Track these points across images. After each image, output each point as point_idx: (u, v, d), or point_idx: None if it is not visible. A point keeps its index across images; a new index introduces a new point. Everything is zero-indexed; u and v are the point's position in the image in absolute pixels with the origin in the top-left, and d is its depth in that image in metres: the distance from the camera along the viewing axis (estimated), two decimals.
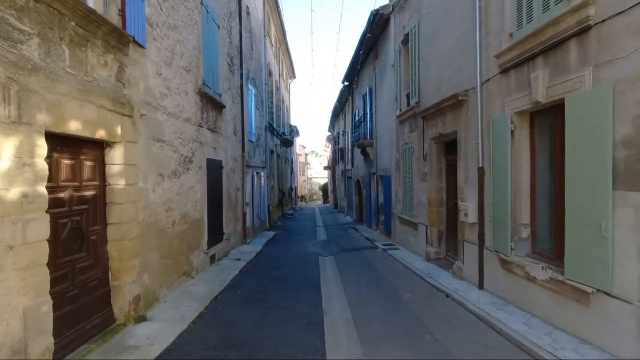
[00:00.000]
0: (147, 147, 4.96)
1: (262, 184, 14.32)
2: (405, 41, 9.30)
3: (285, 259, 9.06)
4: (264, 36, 15.87)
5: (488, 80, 5.25)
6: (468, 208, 5.68)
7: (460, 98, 5.94)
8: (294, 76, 29.13)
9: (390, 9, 10.46)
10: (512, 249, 4.72)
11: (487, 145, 5.33)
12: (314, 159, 62.27)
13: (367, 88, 14.18)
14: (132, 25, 4.49)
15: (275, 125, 19.09)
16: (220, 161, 8.51)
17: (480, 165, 5.43)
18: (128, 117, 4.41)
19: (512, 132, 4.68)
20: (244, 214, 10.70)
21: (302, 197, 46.50)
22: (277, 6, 18.09)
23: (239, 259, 8.44)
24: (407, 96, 9.53)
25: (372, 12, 10.87)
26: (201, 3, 7.22)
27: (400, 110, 9.70)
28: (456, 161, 6.62)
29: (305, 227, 16.71)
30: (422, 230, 8.20)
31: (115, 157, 4.29)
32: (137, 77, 4.70)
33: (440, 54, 7.04)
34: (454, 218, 7.07)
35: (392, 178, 10.87)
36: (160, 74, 5.38)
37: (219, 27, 8.38)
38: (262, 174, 14.38)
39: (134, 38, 4.47)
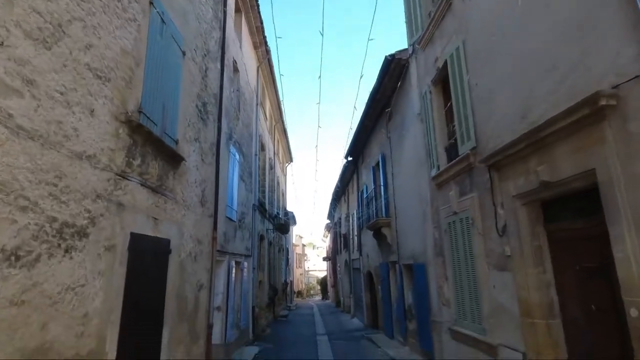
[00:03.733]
0: None
1: (245, 277, 10.71)
2: (440, 78, 6.94)
3: None
4: (257, 105, 13.95)
5: None
6: None
7: (602, 103, 3.08)
8: (291, 160, 27.40)
9: (411, 50, 8.40)
10: None
11: None
12: (311, 251, 58.24)
13: (380, 156, 11.62)
14: None
15: (267, 207, 16.16)
16: (167, 242, 5.28)
17: None
18: None
19: None
20: (210, 327, 7.02)
21: (299, 293, 41.50)
22: (274, 81, 16.69)
23: None
24: (448, 148, 6.81)
25: (386, 57, 8.79)
26: (150, 3, 4.88)
27: (439, 169, 6.85)
28: (572, 232, 3.51)
29: (302, 337, 12.54)
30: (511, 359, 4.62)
31: None
32: None
33: (519, 63, 4.46)
34: (594, 340, 3.65)
35: (429, 267, 7.51)
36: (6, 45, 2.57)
37: (184, 54, 5.97)
38: (246, 264, 10.89)
39: None
